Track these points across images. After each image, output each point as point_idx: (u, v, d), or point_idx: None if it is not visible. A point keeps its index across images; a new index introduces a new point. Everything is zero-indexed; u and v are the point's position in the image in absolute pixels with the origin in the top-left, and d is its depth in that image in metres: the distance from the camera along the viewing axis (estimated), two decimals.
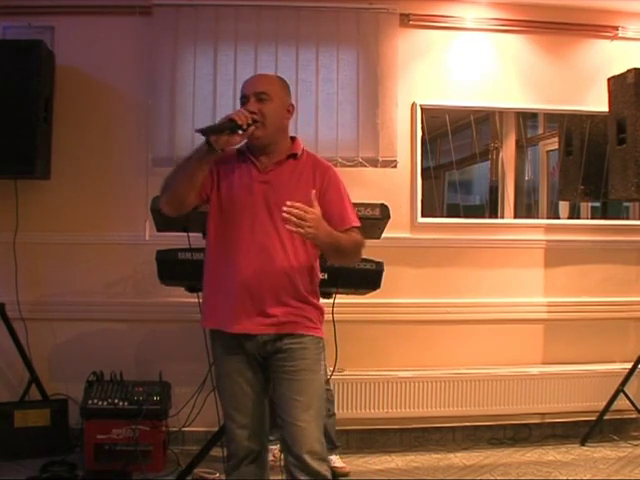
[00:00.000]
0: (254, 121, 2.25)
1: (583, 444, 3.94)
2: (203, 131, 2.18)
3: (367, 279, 3.05)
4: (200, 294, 3.18)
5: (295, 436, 2.24)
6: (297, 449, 2.23)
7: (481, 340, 4.03)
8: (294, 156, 2.38)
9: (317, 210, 2.15)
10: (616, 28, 4.14)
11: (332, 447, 3.39)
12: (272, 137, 2.33)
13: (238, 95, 3.73)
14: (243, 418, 2.34)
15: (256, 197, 2.31)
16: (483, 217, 4.46)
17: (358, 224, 2.39)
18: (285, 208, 2.09)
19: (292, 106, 2.42)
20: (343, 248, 2.27)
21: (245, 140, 2.34)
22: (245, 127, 2.22)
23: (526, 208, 4.55)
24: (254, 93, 2.32)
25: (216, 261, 2.34)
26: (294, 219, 2.09)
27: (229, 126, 2.20)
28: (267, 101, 2.31)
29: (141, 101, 3.83)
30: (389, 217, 3.09)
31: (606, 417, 3.95)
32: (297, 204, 2.10)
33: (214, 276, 2.35)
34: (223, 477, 3.30)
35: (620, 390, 3.88)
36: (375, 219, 3.01)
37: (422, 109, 4.04)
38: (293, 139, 2.43)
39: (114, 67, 3.86)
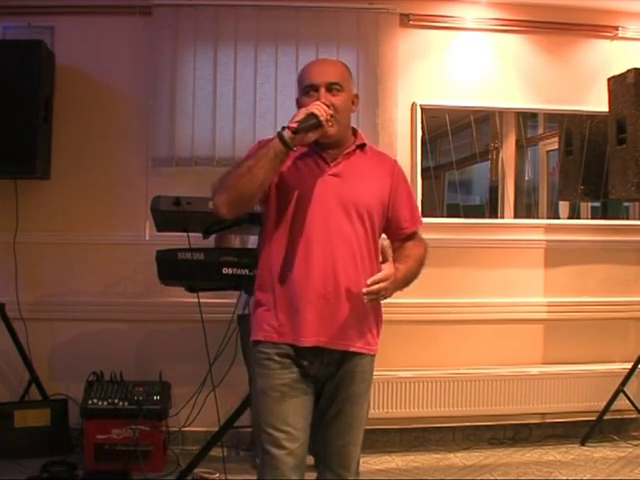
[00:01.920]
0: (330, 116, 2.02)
1: (583, 444, 3.94)
2: (295, 129, 1.94)
3: None
4: (199, 294, 3.21)
5: (342, 458, 2.14)
6: (343, 471, 2.14)
7: (481, 340, 4.02)
8: (362, 147, 2.17)
9: (389, 269, 1.97)
10: (616, 28, 4.14)
11: None
12: (342, 132, 2.11)
13: (238, 95, 3.84)
14: (293, 443, 2.04)
15: (328, 192, 2.07)
16: (483, 217, 4.46)
17: (422, 224, 2.27)
18: (365, 291, 1.92)
19: (357, 96, 2.20)
20: (412, 278, 2.13)
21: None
22: (324, 124, 1.99)
23: (526, 208, 4.55)
24: (326, 84, 2.06)
25: (284, 265, 2.07)
26: (374, 296, 1.95)
27: (314, 123, 1.97)
28: (340, 93, 2.07)
29: (141, 101, 3.82)
30: None
31: (606, 417, 3.94)
32: (375, 285, 1.92)
33: (281, 283, 2.07)
34: (223, 477, 3.31)
35: (620, 390, 3.88)
36: None
37: (422, 109, 4.03)
38: (354, 130, 2.21)
39: (114, 67, 3.86)
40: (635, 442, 3.98)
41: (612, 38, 4.16)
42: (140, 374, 3.70)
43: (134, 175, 3.84)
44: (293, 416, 2.05)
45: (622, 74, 3.75)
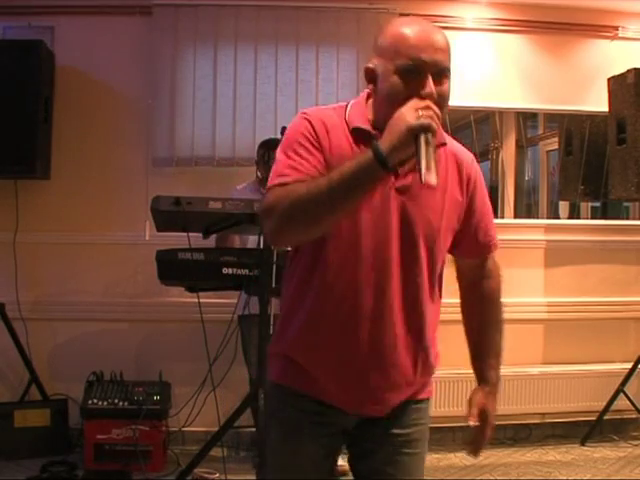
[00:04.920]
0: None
1: (583, 444, 3.93)
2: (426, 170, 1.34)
3: None
4: (199, 294, 3.21)
5: None
6: None
7: None
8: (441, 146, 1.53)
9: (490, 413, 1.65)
10: (616, 28, 4.14)
11: None
12: None
13: (238, 95, 3.84)
14: None
15: (392, 216, 1.49)
16: None
17: (497, 241, 1.73)
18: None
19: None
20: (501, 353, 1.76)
21: (365, 117, 1.52)
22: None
23: (526, 208, 4.55)
24: (437, 70, 1.43)
25: (325, 309, 1.52)
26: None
27: (429, 141, 1.37)
28: (447, 80, 1.46)
29: (141, 101, 3.82)
30: None
31: (606, 417, 3.94)
32: (486, 438, 1.56)
33: (317, 332, 1.53)
34: (223, 477, 3.31)
35: (620, 390, 3.88)
36: None
37: None
38: None
39: (114, 67, 3.85)
40: (635, 442, 3.98)
41: (612, 38, 4.16)
42: (140, 374, 3.70)
43: (134, 175, 3.84)
44: None
45: (622, 74, 3.75)
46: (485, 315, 1.73)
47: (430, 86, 1.41)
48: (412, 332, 1.55)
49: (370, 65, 1.50)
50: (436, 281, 1.60)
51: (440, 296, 1.64)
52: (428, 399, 1.70)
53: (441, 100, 1.43)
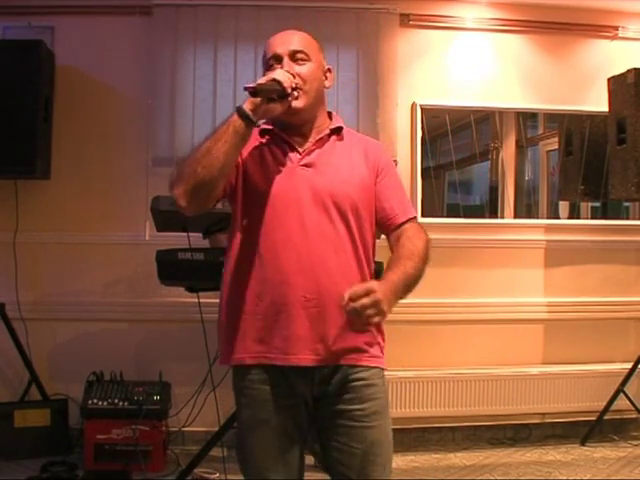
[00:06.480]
0: (295, 87, 1.78)
1: (583, 444, 3.93)
2: (253, 90, 1.72)
3: None
4: (199, 294, 3.21)
5: None
6: None
7: (481, 340, 4.02)
8: (337, 132, 1.89)
9: (374, 286, 1.63)
10: (616, 28, 4.14)
11: None
12: (312, 109, 1.84)
13: (238, 95, 3.83)
14: None
15: (300, 187, 1.78)
16: (483, 217, 4.46)
17: (416, 214, 1.94)
18: (346, 304, 1.58)
19: (330, 70, 1.91)
20: (414, 281, 1.83)
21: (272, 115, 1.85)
22: (289, 92, 1.75)
23: (526, 208, 4.55)
24: (289, 52, 1.81)
25: (253, 274, 1.78)
26: (360, 313, 1.60)
27: (276, 89, 1.73)
28: (306, 62, 1.82)
29: (141, 101, 3.82)
30: None
31: (606, 417, 3.94)
32: (355, 292, 1.58)
33: (249, 295, 1.79)
34: (223, 477, 3.31)
35: (620, 390, 3.88)
36: None
37: (422, 109, 4.03)
38: (330, 114, 1.94)
39: (114, 67, 3.86)
40: (635, 442, 3.98)
41: (612, 38, 4.16)
42: (140, 374, 3.70)
43: (134, 175, 3.83)
44: (286, 457, 1.81)
45: (622, 74, 3.75)
46: (402, 251, 1.85)
47: (286, 64, 1.79)
48: (336, 277, 1.76)
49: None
50: (358, 239, 1.82)
51: (369, 260, 1.87)
52: (379, 370, 1.85)
53: (301, 76, 1.79)
